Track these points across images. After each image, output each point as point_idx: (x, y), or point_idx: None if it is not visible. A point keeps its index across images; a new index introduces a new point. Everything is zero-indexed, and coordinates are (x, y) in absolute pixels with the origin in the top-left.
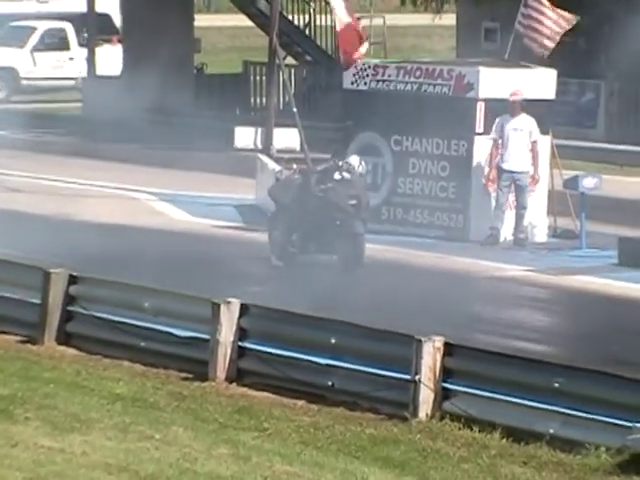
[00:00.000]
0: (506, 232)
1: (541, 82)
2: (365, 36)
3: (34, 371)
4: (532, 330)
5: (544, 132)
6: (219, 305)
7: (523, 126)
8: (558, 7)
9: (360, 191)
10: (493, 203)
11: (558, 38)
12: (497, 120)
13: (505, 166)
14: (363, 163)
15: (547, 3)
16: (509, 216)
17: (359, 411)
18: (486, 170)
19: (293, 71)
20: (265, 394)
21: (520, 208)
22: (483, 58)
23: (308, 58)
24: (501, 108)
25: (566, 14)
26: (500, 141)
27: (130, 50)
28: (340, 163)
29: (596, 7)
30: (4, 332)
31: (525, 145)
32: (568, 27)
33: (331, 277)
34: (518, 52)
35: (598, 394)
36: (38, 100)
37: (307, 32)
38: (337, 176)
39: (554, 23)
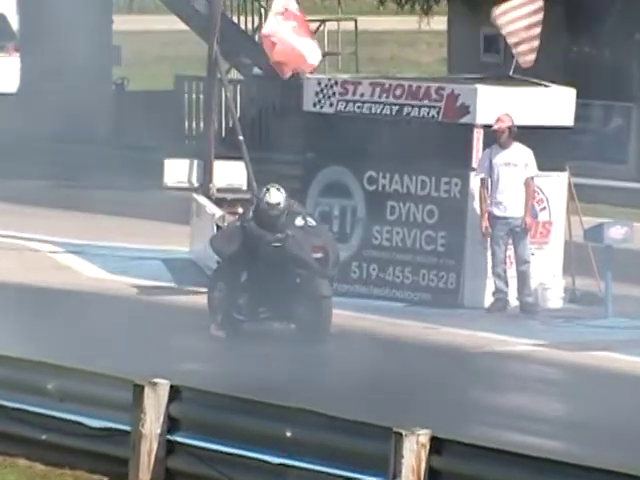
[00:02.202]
0: (511, 295)
1: (557, 105)
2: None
3: None
4: (543, 421)
5: (559, 168)
6: (142, 387)
7: (517, 159)
8: (577, 13)
9: (327, 241)
10: (490, 260)
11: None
12: (484, 153)
13: (497, 212)
14: (282, 191)
15: None
16: (512, 274)
17: None
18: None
19: (239, 88)
20: None
21: (521, 263)
22: (482, 73)
23: (258, 71)
24: None
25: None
26: (489, 180)
27: (30, 60)
28: (254, 199)
29: (625, 12)
30: None
31: (520, 183)
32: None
33: (288, 352)
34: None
35: None
36: None
37: (257, 38)
38: (299, 222)
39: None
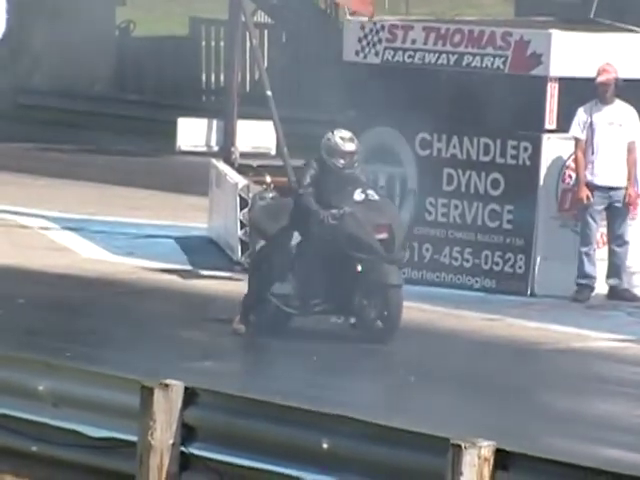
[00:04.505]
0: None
1: None
2: None
3: None
4: (627, 431)
5: None
6: (152, 389)
7: (621, 119)
8: None
9: (393, 219)
10: (577, 238)
11: None
12: (581, 110)
13: (598, 180)
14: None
15: None
16: (600, 256)
17: None
18: (559, 187)
19: (267, 33)
20: None
21: (620, 244)
22: (557, 16)
23: (289, 14)
24: (585, 92)
25: None
26: (583, 141)
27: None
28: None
29: None
30: None
31: (624, 147)
32: None
33: (343, 350)
34: (611, 7)
35: None
36: None
37: None
38: (358, 196)
39: None
